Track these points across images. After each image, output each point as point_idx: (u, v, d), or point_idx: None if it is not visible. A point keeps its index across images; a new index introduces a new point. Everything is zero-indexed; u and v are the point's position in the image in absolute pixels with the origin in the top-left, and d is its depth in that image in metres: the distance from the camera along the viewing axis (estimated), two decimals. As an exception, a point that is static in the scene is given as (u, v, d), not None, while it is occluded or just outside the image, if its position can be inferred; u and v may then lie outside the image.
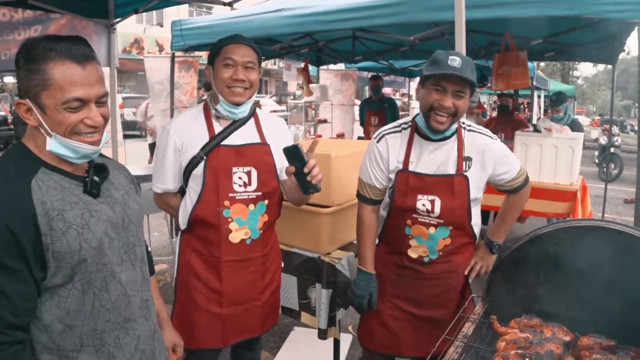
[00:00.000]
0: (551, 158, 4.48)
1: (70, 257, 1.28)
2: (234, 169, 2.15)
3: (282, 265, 2.61)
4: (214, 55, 2.14)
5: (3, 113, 16.33)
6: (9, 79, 28.06)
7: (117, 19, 4.96)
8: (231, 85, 2.09)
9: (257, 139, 2.23)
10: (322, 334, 2.81)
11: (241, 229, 2.19)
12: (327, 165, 2.64)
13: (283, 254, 2.89)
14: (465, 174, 2.12)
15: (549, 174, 4.51)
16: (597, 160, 12.44)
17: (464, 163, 2.13)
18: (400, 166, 2.19)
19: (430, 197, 2.14)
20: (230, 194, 2.15)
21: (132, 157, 9.86)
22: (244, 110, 2.19)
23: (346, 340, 3.71)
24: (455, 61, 1.95)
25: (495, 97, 17.63)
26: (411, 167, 2.17)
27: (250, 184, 2.18)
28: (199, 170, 2.14)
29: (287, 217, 2.81)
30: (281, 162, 2.19)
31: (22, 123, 18.70)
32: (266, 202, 2.24)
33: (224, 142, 2.16)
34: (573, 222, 1.73)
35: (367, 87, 10.26)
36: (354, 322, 4.08)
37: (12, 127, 16.46)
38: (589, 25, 4.34)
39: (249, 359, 2.68)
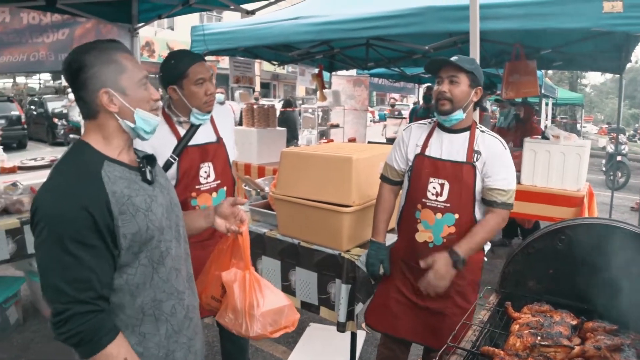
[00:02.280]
0: (559, 164, 4.63)
1: (140, 236, 1.45)
2: (201, 165, 2.51)
3: (300, 261, 2.79)
4: (178, 77, 2.41)
5: (17, 113, 16.56)
6: (21, 79, 28.35)
7: (140, 24, 5.14)
8: (207, 100, 2.44)
9: (214, 137, 2.61)
10: (341, 327, 2.95)
11: None
12: (348, 167, 2.79)
13: (304, 251, 3.06)
14: (474, 163, 2.38)
15: (556, 180, 4.65)
16: (604, 169, 12.52)
17: (473, 154, 2.39)
18: (419, 150, 2.50)
19: (440, 181, 2.41)
20: (196, 187, 2.51)
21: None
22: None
23: (360, 336, 3.85)
24: (453, 58, 2.33)
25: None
26: (427, 152, 2.47)
27: (210, 175, 2.54)
28: (172, 170, 2.44)
29: (309, 216, 2.97)
30: (232, 151, 2.66)
31: (35, 122, 18.81)
32: (225, 188, 2.61)
33: (191, 143, 2.49)
34: (579, 220, 1.89)
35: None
36: (367, 319, 4.23)
37: (25, 126, 16.75)
38: (596, 37, 4.48)
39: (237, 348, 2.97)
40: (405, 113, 17.59)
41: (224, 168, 2.62)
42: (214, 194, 2.56)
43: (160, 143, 2.39)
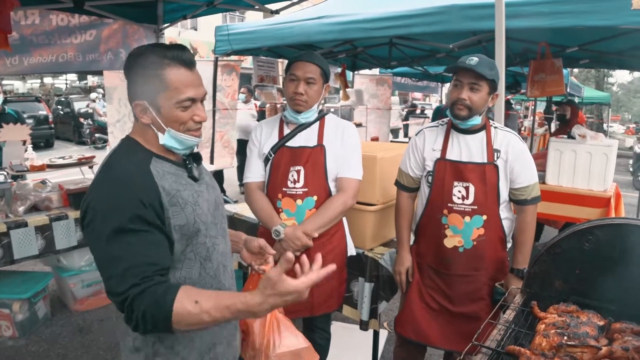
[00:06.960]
0: (585, 164, 4.55)
1: (187, 229, 1.48)
2: (290, 168, 2.45)
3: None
4: (286, 70, 2.49)
5: (44, 112, 16.94)
6: (48, 80, 28.91)
7: (166, 25, 5.23)
8: (293, 97, 2.42)
9: (314, 142, 2.49)
10: (364, 325, 2.97)
11: (289, 219, 2.47)
12: (372, 165, 2.81)
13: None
14: (495, 162, 2.39)
15: (582, 180, 4.58)
16: (631, 169, 12.31)
17: (494, 153, 2.40)
18: (438, 155, 2.48)
19: (465, 184, 2.41)
20: (283, 189, 2.46)
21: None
22: (307, 117, 2.49)
23: (382, 335, 3.85)
24: (472, 60, 2.28)
25: (529, 104, 17.48)
26: (447, 156, 2.46)
27: (299, 181, 2.46)
28: (267, 167, 2.51)
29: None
30: (336, 164, 2.48)
31: (61, 122, 19.22)
32: (315, 197, 2.47)
33: (287, 144, 2.49)
34: (607, 220, 1.86)
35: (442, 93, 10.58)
36: (389, 319, 4.23)
37: (52, 125, 17.14)
38: (625, 34, 4.39)
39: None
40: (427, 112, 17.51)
41: (317, 176, 2.48)
42: (299, 201, 2.47)
43: (265, 139, 2.54)
